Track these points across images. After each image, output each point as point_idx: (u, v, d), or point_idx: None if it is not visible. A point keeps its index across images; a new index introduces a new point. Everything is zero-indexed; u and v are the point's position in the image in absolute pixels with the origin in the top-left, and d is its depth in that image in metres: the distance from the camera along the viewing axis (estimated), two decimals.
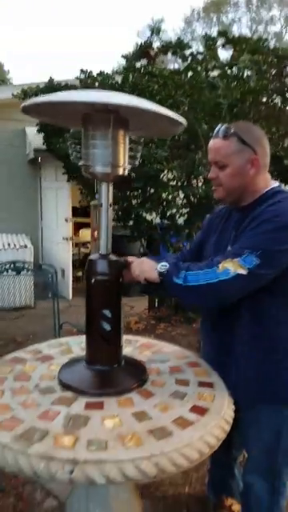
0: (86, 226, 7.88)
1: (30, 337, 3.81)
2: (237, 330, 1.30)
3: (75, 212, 7.63)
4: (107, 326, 1.23)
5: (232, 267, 1.11)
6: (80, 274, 7.18)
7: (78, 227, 8.09)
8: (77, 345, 1.57)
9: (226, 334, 1.34)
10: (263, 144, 1.26)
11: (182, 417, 1.07)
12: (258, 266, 1.12)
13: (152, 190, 3.38)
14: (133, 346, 1.57)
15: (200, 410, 1.11)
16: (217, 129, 1.26)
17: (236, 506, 1.66)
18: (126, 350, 1.51)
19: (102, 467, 0.88)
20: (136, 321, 4.34)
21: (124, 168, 1.20)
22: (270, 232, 1.15)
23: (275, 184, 1.32)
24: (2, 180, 5.97)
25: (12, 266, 2.18)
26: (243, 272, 1.11)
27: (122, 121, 1.15)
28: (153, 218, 3.84)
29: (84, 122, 1.16)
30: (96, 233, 5.73)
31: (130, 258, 1.28)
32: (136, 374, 1.26)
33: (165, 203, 3.44)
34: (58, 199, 5.66)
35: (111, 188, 1.24)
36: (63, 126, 1.35)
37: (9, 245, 5.17)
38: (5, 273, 2.15)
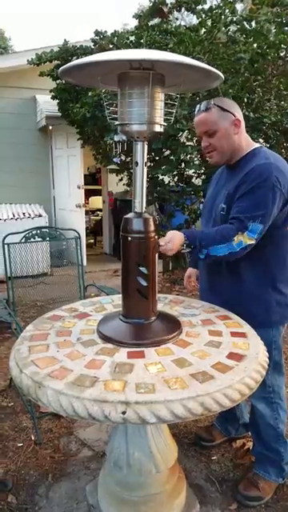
0: (96, 193, 7.87)
1: (49, 301, 3.92)
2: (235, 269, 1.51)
3: (84, 180, 7.61)
4: (144, 282, 1.27)
5: (243, 239, 1.37)
6: (92, 240, 7.25)
7: (87, 195, 8.08)
8: (109, 303, 1.62)
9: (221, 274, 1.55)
10: (238, 109, 1.49)
11: (220, 362, 1.12)
12: (262, 230, 1.37)
13: (167, 152, 3.34)
14: (162, 302, 1.62)
15: (237, 357, 1.16)
16: (197, 107, 1.49)
17: (250, 443, 1.78)
18: (158, 306, 1.56)
19: (153, 407, 0.94)
20: None
21: (160, 125, 1.20)
22: (263, 195, 1.36)
23: (257, 144, 1.53)
24: (13, 149, 5.92)
25: (38, 232, 2.21)
26: (252, 242, 1.38)
27: (158, 77, 1.14)
28: (169, 180, 3.81)
29: (120, 82, 1.16)
30: (112, 198, 5.73)
31: (160, 241, 1.33)
32: (171, 326, 1.32)
33: (183, 164, 3.40)
34: (69, 167, 5.63)
35: (146, 147, 1.24)
36: (95, 87, 1.34)
37: (24, 214, 5.20)
38: (31, 239, 2.19)
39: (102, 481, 1.48)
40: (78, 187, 5.40)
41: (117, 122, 1.20)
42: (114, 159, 3.59)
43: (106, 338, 1.26)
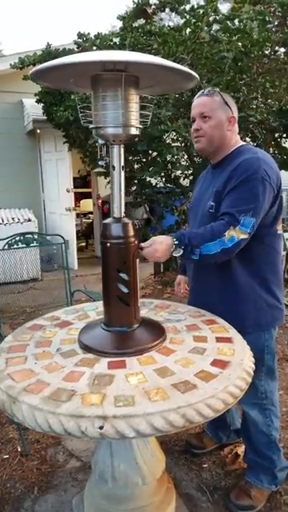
0: (87, 196, 7.82)
1: (39, 308, 3.87)
2: (224, 271, 1.47)
3: (75, 183, 7.56)
4: (124, 289, 1.23)
5: (235, 234, 1.31)
6: (84, 244, 7.20)
7: (78, 198, 8.03)
8: (92, 310, 1.58)
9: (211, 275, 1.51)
10: (235, 109, 1.49)
11: (204, 370, 1.09)
12: (254, 224, 1.33)
13: (155, 153, 3.30)
14: (147, 307, 1.58)
15: (221, 364, 1.12)
16: (201, 91, 1.49)
17: (239, 449, 1.75)
18: (142, 312, 1.52)
19: (132, 421, 0.90)
20: (142, 286, 4.37)
21: (136, 128, 1.16)
22: (253, 188, 1.33)
23: (243, 143, 1.52)
24: (1, 154, 5.86)
25: (21, 238, 2.17)
26: (245, 236, 1.33)
27: (131, 79, 1.11)
28: (157, 181, 3.78)
29: (93, 84, 1.12)
30: (100, 201, 5.68)
31: (143, 244, 1.30)
32: (154, 333, 1.28)
33: (170, 165, 3.36)
34: (58, 170, 5.58)
35: (123, 150, 1.21)
36: (70, 90, 1.30)
37: (13, 219, 5.15)
38: (14, 246, 2.14)
39: (87, 494, 1.44)
40: (68, 191, 5.35)
41: (91, 126, 1.16)
42: (99, 162, 3.55)
43: (86, 348, 1.21)
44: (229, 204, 1.35)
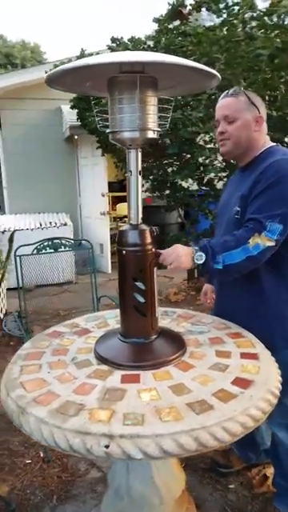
0: (123, 200, 7.85)
1: (72, 311, 3.89)
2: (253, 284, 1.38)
3: (112, 187, 7.61)
4: (141, 298, 1.18)
5: (261, 241, 1.22)
6: None
7: (115, 202, 8.08)
8: (113, 318, 1.54)
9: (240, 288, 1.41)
10: (264, 108, 1.41)
11: (223, 389, 1.01)
12: (282, 231, 1.23)
13: (188, 156, 3.23)
14: (170, 317, 1.52)
15: (243, 383, 1.04)
16: (225, 92, 1.42)
17: (268, 470, 1.64)
18: (164, 322, 1.46)
19: (139, 442, 0.84)
20: (175, 292, 4.29)
21: (154, 131, 1.11)
22: (282, 192, 1.24)
23: (272, 143, 1.43)
24: (42, 160, 6.02)
25: (50, 243, 2.18)
26: (272, 244, 1.22)
27: (149, 81, 1.07)
28: (189, 185, 3.69)
29: (110, 87, 1.09)
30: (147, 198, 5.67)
31: (163, 251, 1.22)
32: (173, 346, 1.21)
33: (202, 168, 3.28)
34: (94, 175, 5.64)
35: (140, 154, 1.16)
36: (91, 95, 1.27)
37: (50, 223, 5.25)
38: (43, 251, 2.15)
39: (104, 509, 1.39)
40: (102, 195, 5.39)
41: (108, 130, 1.12)
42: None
43: (101, 359, 1.17)
44: (255, 209, 1.26)
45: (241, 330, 1.37)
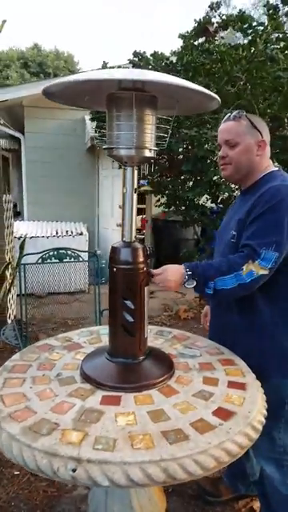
0: (143, 212, 7.89)
1: (80, 321, 3.90)
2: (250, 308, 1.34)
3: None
4: (130, 317, 1.16)
5: (255, 269, 1.20)
6: None
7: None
8: (106, 334, 1.53)
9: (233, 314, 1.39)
10: (267, 132, 1.38)
11: (202, 419, 0.98)
12: (277, 259, 1.20)
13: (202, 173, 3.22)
14: (165, 338, 1.50)
15: (224, 414, 1.01)
16: (227, 115, 1.39)
17: (255, 503, 1.57)
18: (157, 342, 1.44)
19: (106, 468, 0.82)
20: (185, 309, 4.24)
21: (150, 150, 1.11)
22: (278, 219, 1.21)
23: (275, 168, 1.40)
24: (63, 169, 6.13)
25: (55, 253, 2.19)
26: (266, 272, 1.20)
27: (148, 99, 1.07)
28: (203, 202, 3.67)
29: (108, 103, 1.10)
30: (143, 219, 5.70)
31: (154, 271, 1.23)
32: (161, 369, 1.19)
33: (216, 186, 3.26)
34: (113, 186, 5.70)
35: (136, 172, 1.16)
36: (91, 109, 1.29)
37: (66, 232, 5.32)
38: (47, 260, 2.17)
39: None
40: (120, 207, 5.43)
41: (104, 146, 1.13)
42: (141, 181, 3.54)
43: (85, 377, 1.16)
44: (250, 235, 1.24)
45: (234, 357, 1.33)
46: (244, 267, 1.20)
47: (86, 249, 4.98)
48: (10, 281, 3.46)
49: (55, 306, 4.46)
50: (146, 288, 1.18)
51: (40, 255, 2.19)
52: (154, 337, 1.50)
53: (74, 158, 6.16)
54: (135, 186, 1.16)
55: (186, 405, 1.04)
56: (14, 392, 1.09)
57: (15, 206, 7.34)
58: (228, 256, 1.25)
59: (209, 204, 3.68)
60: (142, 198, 8.24)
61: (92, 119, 4.20)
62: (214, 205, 3.83)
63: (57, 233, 5.24)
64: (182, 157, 3.13)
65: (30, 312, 4.17)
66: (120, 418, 0.98)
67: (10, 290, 3.55)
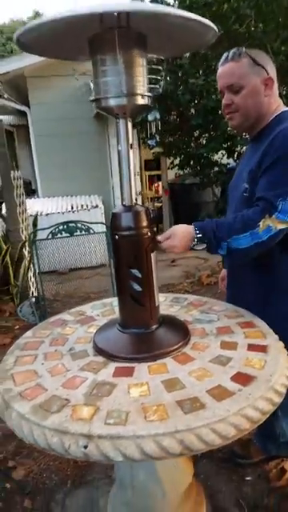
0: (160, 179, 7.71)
1: (102, 294, 3.90)
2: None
3: (149, 165, 7.48)
4: (137, 287, 1.10)
5: (272, 224, 1.09)
6: (155, 228, 7.11)
7: (152, 181, 7.96)
8: None
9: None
10: (272, 66, 1.24)
11: (220, 386, 0.92)
12: None
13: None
14: (180, 304, 1.44)
15: (244, 378, 0.95)
16: (225, 55, 1.23)
17: (286, 463, 1.54)
18: (172, 310, 1.39)
19: (118, 443, 0.79)
20: (208, 274, 4.16)
21: (143, 96, 1.00)
22: None
23: (286, 108, 1.27)
24: (72, 140, 6.00)
25: (65, 227, 2.14)
26: (285, 226, 1.10)
27: (135, 37, 0.95)
28: (219, 158, 3.47)
29: (91, 47, 0.98)
30: (159, 185, 5.55)
31: (159, 237, 1.15)
32: (175, 337, 1.14)
33: (230, 140, 3.05)
34: None
35: (130, 125, 1.06)
36: (76, 60, 1.18)
37: (81, 206, 5.26)
38: (58, 235, 2.12)
39: (111, 498, 1.37)
40: (134, 174, 5.29)
41: (91, 97, 1.02)
42: (149, 141, 3.38)
43: (98, 350, 1.12)
44: (264, 186, 1.13)
45: (254, 318, 1.26)
46: (260, 223, 1.09)
47: (103, 220, 4.92)
48: (29, 258, 3.47)
49: (78, 282, 4.48)
50: (152, 254, 1.11)
51: (50, 230, 2.15)
52: (170, 304, 1.44)
53: (82, 127, 5.99)
54: (130, 141, 1.07)
55: (202, 371, 0.99)
56: (25, 370, 1.07)
57: (30, 183, 7.31)
58: (242, 212, 1.15)
59: (225, 160, 3.48)
60: (157, 165, 8.06)
61: None
62: (231, 160, 3.64)
63: (72, 207, 5.19)
64: (193, 112, 2.94)
65: (54, 288, 4.22)
66: (133, 389, 0.94)
67: (29, 268, 3.57)
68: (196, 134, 3.33)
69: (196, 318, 1.30)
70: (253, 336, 1.15)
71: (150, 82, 1.03)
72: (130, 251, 1.09)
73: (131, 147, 1.07)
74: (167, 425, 0.81)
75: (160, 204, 7.40)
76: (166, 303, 1.45)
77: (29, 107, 6.06)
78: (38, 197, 6.23)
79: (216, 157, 3.39)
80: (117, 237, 1.09)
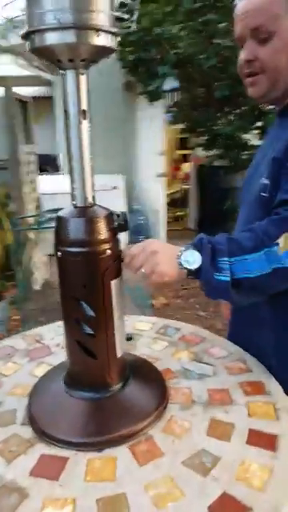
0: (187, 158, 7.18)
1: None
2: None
3: (177, 144, 6.96)
4: (88, 329, 0.73)
5: None
6: (181, 213, 6.67)
7: (182, 160, 7.45)
8: None
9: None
10: None
11: None
12: None
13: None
14: (168, 338, 1.05)
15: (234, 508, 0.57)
16: None
17: None
18: (155, 348, 1.01)
19: None
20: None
21: (108, 32, 0.61)
22: None
23: None
24: (99, 114, 5.50)
25: (53, 215, 1.79)
26: None
27: None
28: (249, 140, 2.95)
29: None
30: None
31: (125, 254, 0.76)
32: (143, 408, 0.76)
33: (262, 116, 2.54)
34: (151, 130, 5.07)
35: (84, 79, 0.67)
36: None
37: (101, 186, 4.90)
38: (45, 224, 1.77)
39: None
40: (160, 153, 4.84)
41: (21, 32, 0.62)
42: (165, 115, 2.90)
43: (29, 416, 0.77)
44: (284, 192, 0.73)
45: (266, 377, 0.87)
46: (281, 240, 0.70)
47: (122, 204, 4.56)
48: (34, 242, 3.17)
49: None
50: (113, 282, 0.73)
51: (36, 219, 1.80)
52: (155, 338, 1.06)
53: (110, 99, 5.48)
54: (84, 107, 0.67)
55: (167, 487, 0.62)
56: None
57: (54, 159, 6.99)
58: (253, 225, 0.74)
59: (256, 142, 2.96)
60: (182, 143, 7.46)
61: (120, 44, 3.56)
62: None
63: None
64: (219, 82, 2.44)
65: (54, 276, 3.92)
66: (49, 509, 0.58)
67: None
68: (226, 109, 2.81)
69: (184, 368, 0.92)
70: (259, 413, 0.76)
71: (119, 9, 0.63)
72: (78, 277, 0.71)
73: (84, 116, 0.67)
74: None
75: (187, 186, 6.90)
76: (149, 335, 1.08)
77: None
78: (60, 173, 5.89)
79: (248, 136, 2.86)
80: (59, 253, 0.71)
